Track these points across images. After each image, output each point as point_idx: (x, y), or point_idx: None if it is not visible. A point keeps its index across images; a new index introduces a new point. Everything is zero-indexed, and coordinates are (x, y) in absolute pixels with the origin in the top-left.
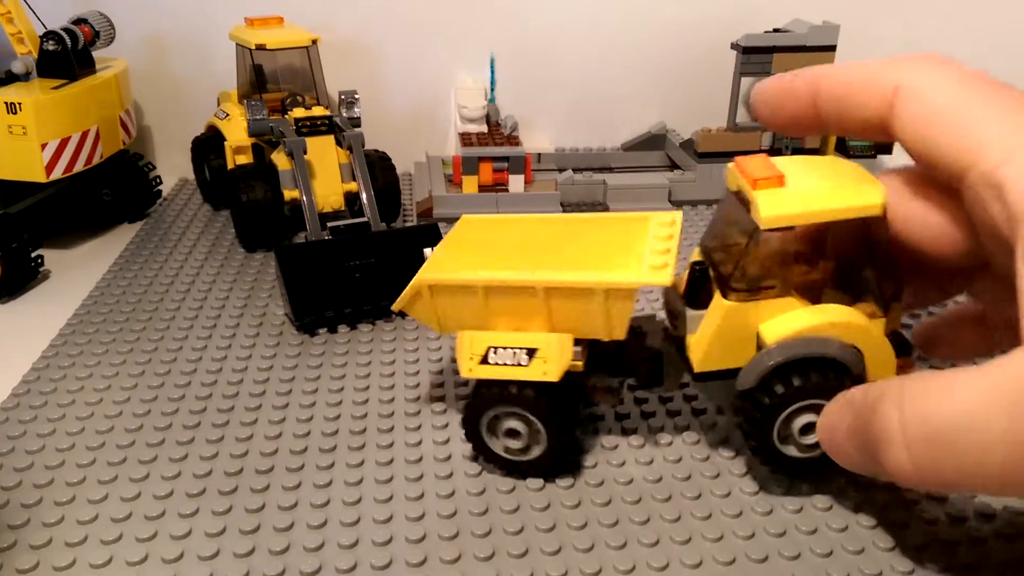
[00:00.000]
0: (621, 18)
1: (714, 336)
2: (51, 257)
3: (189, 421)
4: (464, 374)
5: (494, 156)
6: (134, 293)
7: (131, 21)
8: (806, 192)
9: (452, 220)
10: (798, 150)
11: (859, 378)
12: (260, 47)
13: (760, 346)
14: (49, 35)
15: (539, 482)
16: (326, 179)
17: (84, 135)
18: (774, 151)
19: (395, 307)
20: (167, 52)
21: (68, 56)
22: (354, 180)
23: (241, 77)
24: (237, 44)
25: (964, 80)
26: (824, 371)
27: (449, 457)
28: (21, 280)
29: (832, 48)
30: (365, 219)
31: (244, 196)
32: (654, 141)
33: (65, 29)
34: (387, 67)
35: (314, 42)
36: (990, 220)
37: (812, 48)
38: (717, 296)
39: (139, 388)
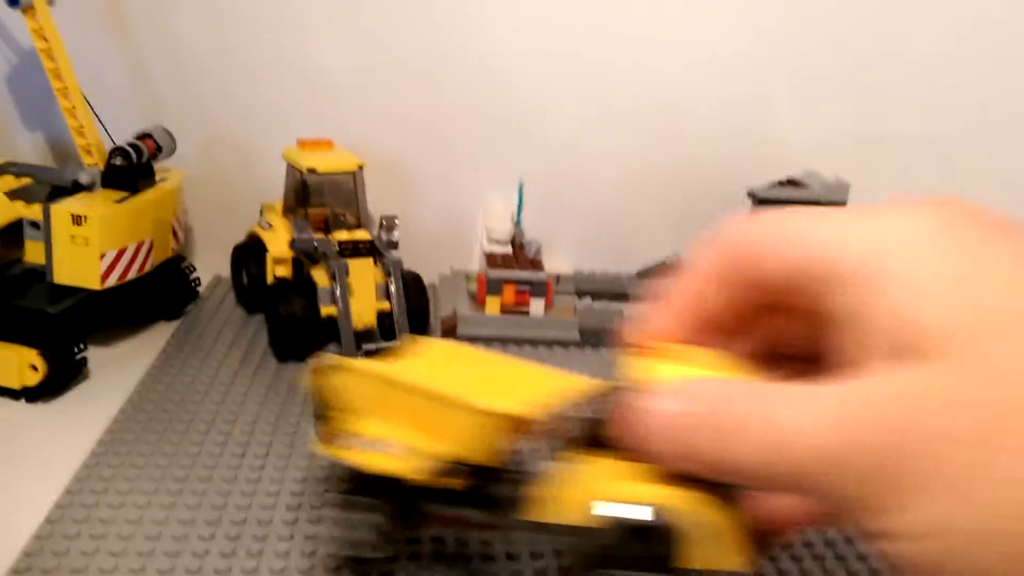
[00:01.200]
0: (640, 151)
1: None
2: (91, 355)
3: (226, 548)
4: None
5: (518, 279)
6: (171, 400)
7: (187, 130)
8: None
9: (476, 340)
10: None
11: None
12: (311, 171)
13: None
14: (117, 151)
15: None
16: (362, 297)
17: (140, 245)
18: None
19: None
20: (216, 159)
21: (132, 171)
22: (387, 299)
23: (288, 192)
24: (288, 164)
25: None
26: None
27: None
28: (65, 380)
29: (843, 204)
30: (397, 343)
31: (283, 309)
32: (668, 270)
33: (132, 144)
34: (421, 183)
35: (360, 167)
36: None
37: (825, 203)
38: None
39: (177, 508)
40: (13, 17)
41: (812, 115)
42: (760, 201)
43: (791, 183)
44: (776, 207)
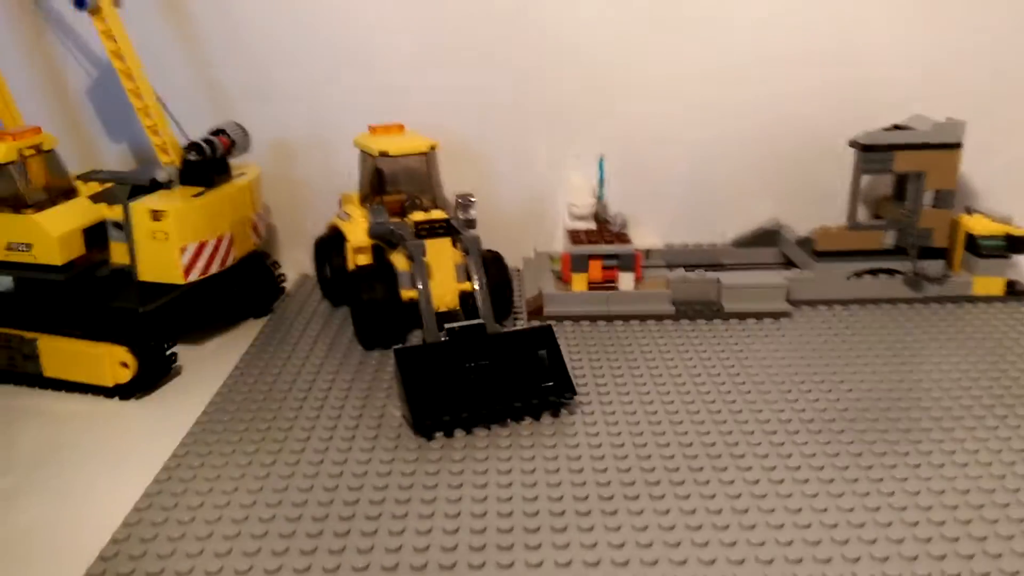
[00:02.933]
0: (731, 113)
1: None
2: (182, 353)
3: (312, 529)
4: None
5: (604, 254)
6: (260, 391)
7: (262, 127)
8: None
9: (562, 318)
10: (925, 249)
11: None
12: (383, 154)
13: None
14: (191, 147)
15: None
16: (442, 279)
17: (220, 239)
18: (898, 250)
19: None
20: (293, 155)
21: (207, 166)
22: (468, 280)
23: (363, 180)
24: (361, 151)
25: None
26: None
27: None
28: (155, 377)
29: (958, 146)
30: (480, 320)
31: (365, 295)
32: (766, 237)
33: (206, 140)
34: (497, 165)
35: (433, 148)
36: None
37: (936, 146)
38: None
39: (264, 491)
40: (88, 28)
41: (915, 53)
42: (866, 148)
43: (897, 128)
44: (884, 155)
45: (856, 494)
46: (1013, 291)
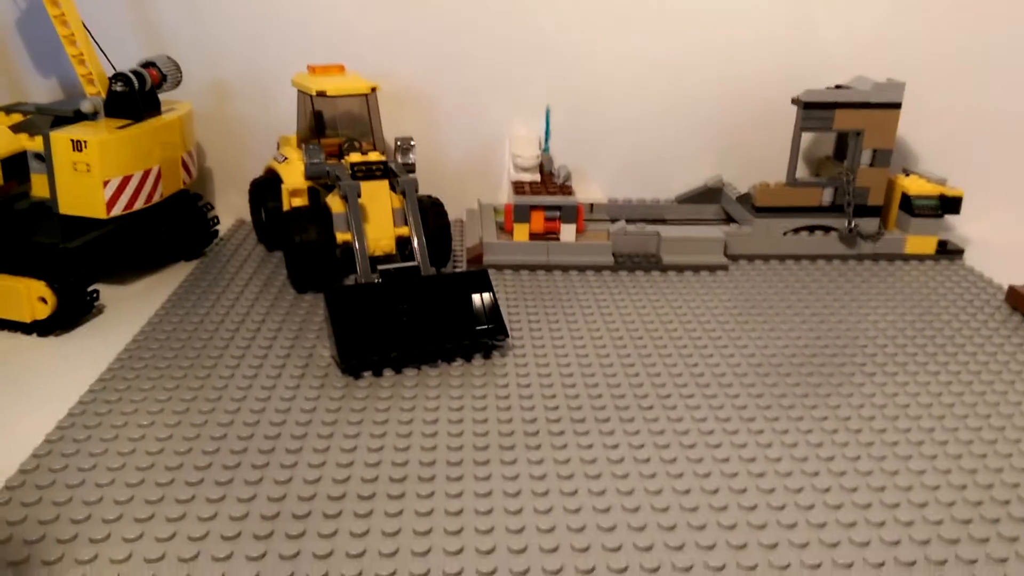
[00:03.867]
0: (678, 71)
1: None
2: (106, 292)
3: (229, 461)
4: None
5: (546, 205)
6: (184, 331)
7: (197, 65)
8: None
9: (502, 267)
10: (861, 207)
11: None
12: (321, 94)
13: None
14: (118, 77)
15: (585, 543)
16: (379, 223)
17: (146, 174)
18: (835, 207)
19: None
20: (230, 96)
21: (135, 98)
22: (406, 225)
23: (301, 122)
24: (299, 91)
25: None
26: None
27: (491, 511)
28: (76, 314)
29: (897, 106)
30: (415, 263)
31: (298, 237)
32: (710, 194)
33: (134, 72)
34: (443, 115)
35: (373, 90)
36: None
37: (876, 105)
38: None
39: (182, 426)
40: None
41: (858, 17)
42: (808, 106)
43: (839, 88)
44: (825, 112)
45: (785, 444)
46: (944, 250)
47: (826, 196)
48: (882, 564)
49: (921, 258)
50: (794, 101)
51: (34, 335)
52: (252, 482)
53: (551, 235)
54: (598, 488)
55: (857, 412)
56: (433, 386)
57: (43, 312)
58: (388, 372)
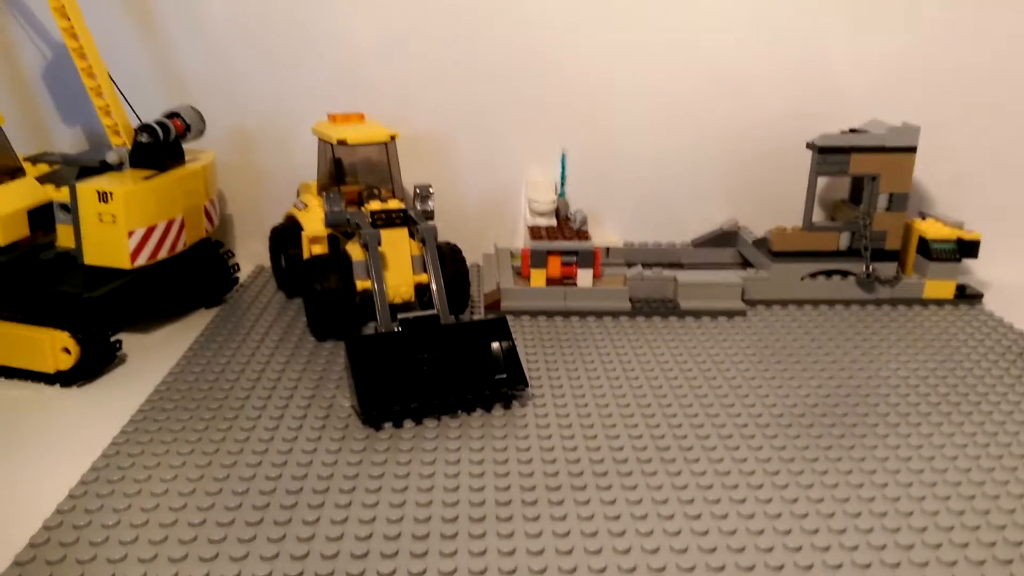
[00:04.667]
0: (691, 113)
1: None
2: (129, 341)
3: (252, 517)
4: None
5: (563, 250)
6: (206, 380)
7: (220, 113)
8: None
9: (520, 313)
10: (878, 252)
11: None
12: (341, 142)
13: None
14: (143, 128)
15: None
16: (398, 270)
17: (169, 224)
18: (852, 251)
19: None
20: (252, 143)
21: (160, 148)
22: (425, 272)
23: (321, 169)
24: (320, 139)
25: None
26: None
27: (514, 570)
28: (99, 364)
29: (913, 150)
30: (434, 311)
31: (318, 285)
32: (725, 238)
33: (159, 122)
34: (460, 161)
35: (392, 138)
36: None
37: (892, 149)
38: None
39: (205, 480)
40: (44, 11)
41: (871, 59)
42: (822, 151)
43: (853, 132)
44: (840, 157)
45: (811, 499)
46: (963, 294)
47: (843, 240)
48: None
49: (940, 303)
50: (809, 146)
51: (57, 385)
52: (275, 540)
53: (568, 280)
54: (623, 546)
55: (882, 465)
56: (454, 438)
57: (66, 363)
58: (408, 423)
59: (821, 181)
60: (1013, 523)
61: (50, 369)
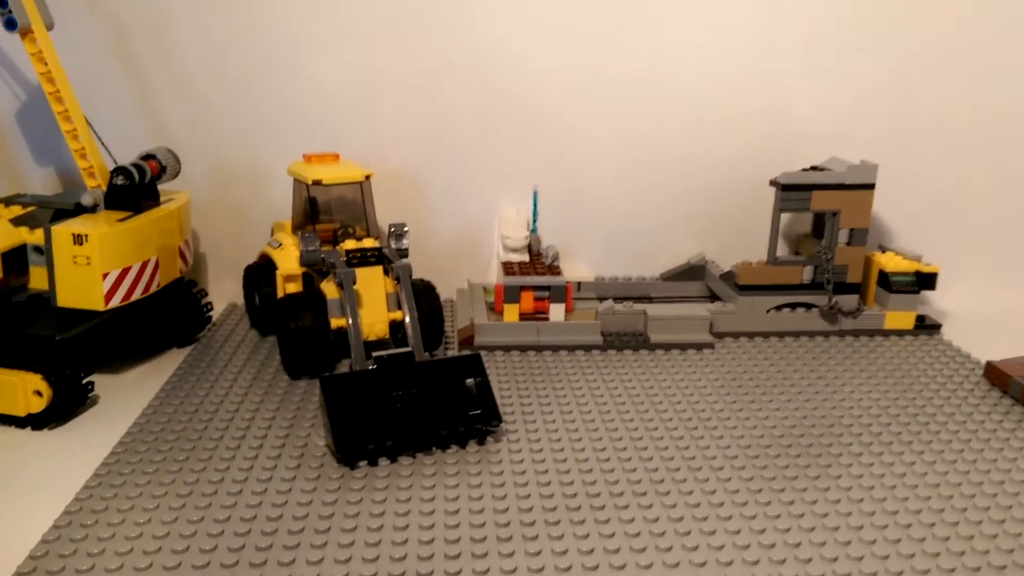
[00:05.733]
0: (659, 150)
1: None
2: (101, 382)
3: (227, 560)
4: None
5: (536, 285)
6: (179, 421)
7: (196, 153)
8: None
9: (494, 348)
10: (840, 285)
11: None
12: (317, 182)
13: None
14: (119, 171)
15: None
16: (372, 308)
17: (144, 265)
18: (815, 284)
19: None
20: (226, 182)
21: (135, 190)
22: (399, 309)
23: (296, 208)
24: (295, 179)
25: None
26: None
27: None
28: (71, 406)
29: (871, 187)
30: (409, 348)
31: (293, 323)
32: (693, 272)
33: (134, 164)
34: (434, 197)
35: (367, 177)
36: None
37: (851, 186)
38: None
39: (179, 522)
40: (18, 53)
41: (832, 101)
42: (785, 188)
43: (814, 169)
44: (802, 194)
45: (778, 529)
46: (922, 324)
47: (806, 274)
48: None
49: (900, 333)
50: (772, 183)
51: (28, 429)
52: None
53: (541, 315)
54: None
55: (846, 494)
56: (429, 475)
57: (38, 405)
58: (383, 461)
59: (784, 217)
60: (971, 549)
61: (21, 412)
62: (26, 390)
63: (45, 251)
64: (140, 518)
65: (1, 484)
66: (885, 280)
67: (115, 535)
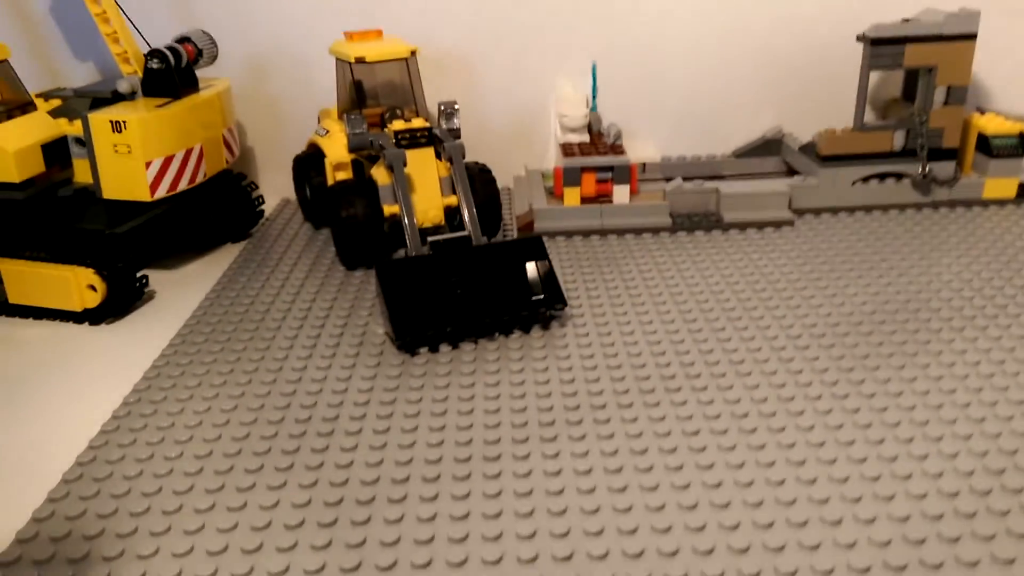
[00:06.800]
0: (730, 17)
1: None
2: (156, 278)
3: (289, 446)
4: None
5: (597, 166)
6: (235, 314)
7: (233, 41)
8: None
9: (554, 234)
10: (935, 151)
11: None
12: (360, 60)
13: None
14: (153, 54)
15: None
16: (426, 193)
17: (188, 153)
18: (907, 152)
19: None
20: (267, 71)
21: (172, 75)
22: (454, 193)
23: (341, 93)
24: (337, 59)
25: None
26: None
27: (562, 490)
28: (126, 301)
29: (972, 37)
30: (466, 233)
31: (344, 212)
32: (769, 146)
33: (169, 48)
34: (486, 78)
35: (413, 53)
36: None
37: (949, 38)
38: None
39: (239, 410)
40: None
41: None
42: (875, 42)
43: (907, 22)
44: (894, 48)
45: (874, 408)
46: None
47: (897, 140)
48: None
49: (1001, 203)
50: (859, 38)
51: (85, 324)
52: (313, 467)
53: (603, 198)
54: (675, 463)
55: (949, 370)
56: (492, 360)
57: (93, 300)
58: (445, 348)
59: (873, 78)
60: None
61: (77, 307)
62: (80, 285)
63: (85, 141)
64: (200, 407)
65: (62, 377)
66: (985, 144)
67: (175, 424)
